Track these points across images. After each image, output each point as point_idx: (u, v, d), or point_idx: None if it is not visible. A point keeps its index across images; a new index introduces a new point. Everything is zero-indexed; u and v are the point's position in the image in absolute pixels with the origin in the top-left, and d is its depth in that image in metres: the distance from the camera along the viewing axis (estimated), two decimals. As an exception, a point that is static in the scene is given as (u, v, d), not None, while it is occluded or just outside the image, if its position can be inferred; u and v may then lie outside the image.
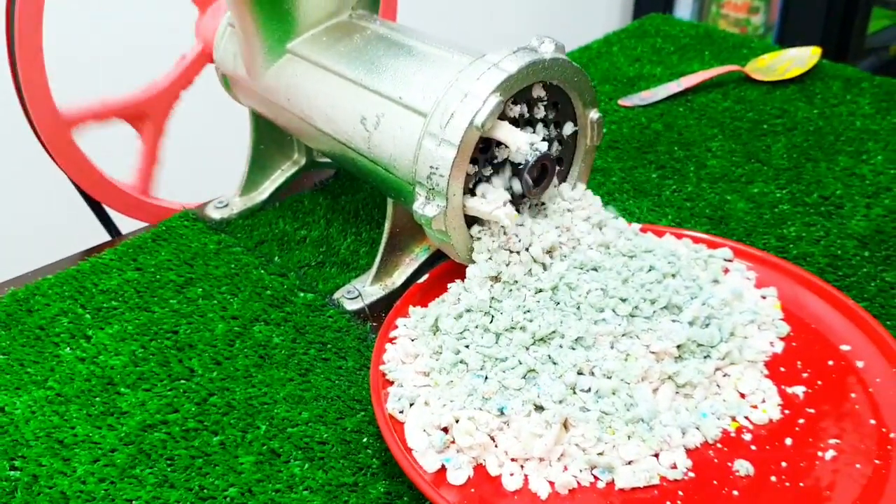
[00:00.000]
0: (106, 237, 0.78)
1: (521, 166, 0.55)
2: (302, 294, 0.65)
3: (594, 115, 0.59)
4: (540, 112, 0.57)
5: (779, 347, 0.58)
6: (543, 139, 0.58)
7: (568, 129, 0.60)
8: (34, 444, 0.53)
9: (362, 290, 0.64)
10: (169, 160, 0.79)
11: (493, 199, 0.55)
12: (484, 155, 0.55)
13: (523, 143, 0.54)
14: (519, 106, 0.55)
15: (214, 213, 0.75)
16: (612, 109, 0.92)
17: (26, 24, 0.64)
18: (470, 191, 0.55)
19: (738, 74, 0.96)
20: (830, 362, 0.56)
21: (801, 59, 0.95)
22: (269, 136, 0.75)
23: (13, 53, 0.65)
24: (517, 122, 0.56)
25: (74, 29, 1.15)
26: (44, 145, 0.69)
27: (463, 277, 0.58)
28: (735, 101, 0.92)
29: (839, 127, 0.86)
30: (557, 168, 0.59)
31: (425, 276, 0.62)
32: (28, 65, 0.65)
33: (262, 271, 0.68)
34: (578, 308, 0.55)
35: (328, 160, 0.78)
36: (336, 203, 0.77)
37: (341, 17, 0.66)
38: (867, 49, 2.03)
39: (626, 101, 0.92)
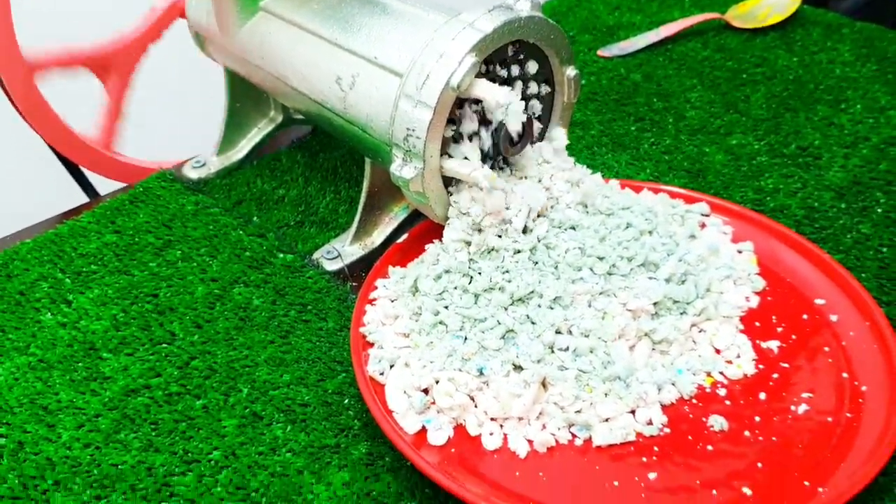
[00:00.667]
0: (83, 199, 0.77)
1: (498, 126, 0.55)
2: (281, 255, 0.65)
3: (571, 71, 0.59)
4: (516, 70, 0.56)
5: (754, 302, 0.58)
6: (522, 98, 0.58)
7: (544, 88, 0.60)
8: (18, 410, 0.54)
9: (342, 251, 0.64)
10: (143, 117, 0.78)
11: (467, 160, 0.55)
12: (460, 110, 0.55)
13: (503, 98, 0.53)
14: (494, 65, 0.55)
15: (192, 173, 0.74)
16: (591, 60, 0.91)
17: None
18: (447, 152, 0.55)
19: (718, 22, 0.96)
20: (805, 316, 0.57)
21: (781, 5, 0.95)
22: (245, 94, 0.74)
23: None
24: (493, 81, 0.56)
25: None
26: (6, 90, 0.68)
27: (442, 237, 0.58)
28: (715, 49, 0.91)
29: (819, 75, 0.86)
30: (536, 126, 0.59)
31: (404, 236, 0.62)
32: None
33: (241, 232, 0.67)
34: (556, 267, 0.56)
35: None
36: (314, 161, 0.76)
37: (314, -27, 0.65)
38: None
39: (605, 52, 0.92)
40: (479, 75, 0.54)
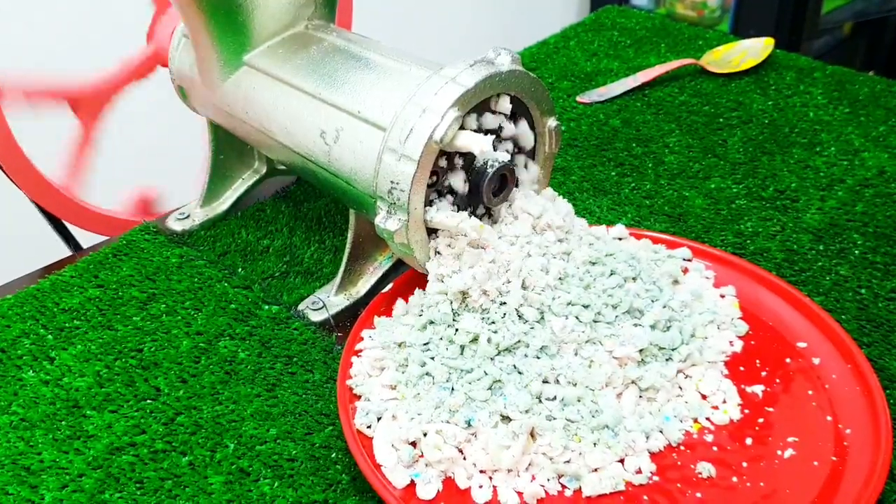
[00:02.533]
0: (66, 252, 0.77)
1: (481, 178, 0.56)
2: (266, 306, 0.65)
3: (552, 122, 0.59)
4: (498, 122, 0.57)
5: (738, 346, 0.59)
6: (508, 151, 0.59)
7: (529, 139, 0.60)
8: (0, 471, 0.53)
9: (327, 301, 0.64)
10: (121, 165, 0.78)
11: (454, 212, 0.55)
12: (445, 162, 0.55)
13: (486, 146, 0.54)
14: (476, 117, 0.56)
15: (175, 225, 0.74)
16: (570, 106, 0.92)
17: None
18: (429, 203, 0.56)
19: (693, 67, 0.97)
20: (788, 360, 0.58)
21: (754, 50, 0.97)
22: (229, 146, 0.74)
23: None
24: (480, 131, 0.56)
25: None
26: None
27: (425, 286, 0.58)
28: (691, 94, 0.93)
29: (793, 119, 0.87)
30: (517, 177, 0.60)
31: (389, 286, 0.62)
32: None
33: (226, 284, 0.67)
34: (542, 317, 0.56)
35: (289, 167, 0.78)
36: (298, 210, 0.77)
37: (297, 27, 0.66)
38: (822, 29, 2.06)
39: (584, 98, 0.93)
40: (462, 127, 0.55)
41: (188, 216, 0.75)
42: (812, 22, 1.93)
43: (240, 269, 0.69)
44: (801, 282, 0.66)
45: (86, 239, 0.78)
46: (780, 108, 0.89)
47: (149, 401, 0.58)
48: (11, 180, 0.71)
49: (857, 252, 0.69)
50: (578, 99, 0.93)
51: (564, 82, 0.97)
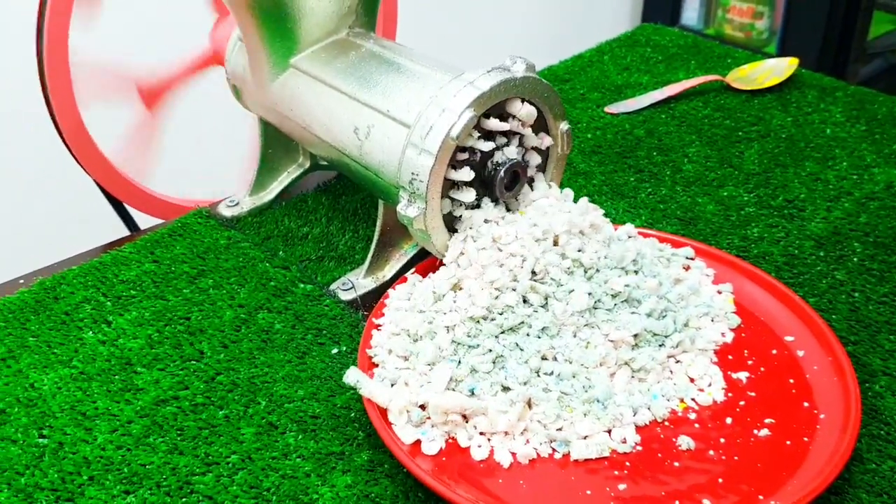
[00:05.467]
0: (126, 232, 0.85)
1: (494, 173, 0.62)
2: (302, 285, 0.72)
3: (564, 126, 0.65)
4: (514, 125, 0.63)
5: (729, 338, 0.64)
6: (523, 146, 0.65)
7: (546, 140, 0.66)
8: (60, 415, 0.60)
9: (356, 283, 0.71)
10: (181, 157, 0.86)
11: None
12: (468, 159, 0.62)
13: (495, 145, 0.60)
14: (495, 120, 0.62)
15: (226, 212, 0.82)
16: (598, 116, 0.98)
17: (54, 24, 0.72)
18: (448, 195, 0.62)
19: (719, 84, 1.02)
20: (774, 351, 0.62)
21: (779, 68, 1.01)
22: (277, 141, 0.82)
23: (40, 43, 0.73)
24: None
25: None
26: (56, 124, 0.76)
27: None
28: (714, 108, 0.98)
29: (810, 134, 0.92)
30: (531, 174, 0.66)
31: (412, 271, 0.69)
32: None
33: (268, 264, 0.74)
34: (546, 302, 0.61)
35: (330, 163, 0.85)
36: (337, 202, 0.83)
37: (340, 34, 0.73)
38: (871, 53, 2.07)
39: (612, 109, 0.98)
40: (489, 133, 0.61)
41: (237, 204, 0.82)
42: (859, 45, 1.95)
43: (280, 252, 0.76)
44: (798, 283, 0.71)
45: (144, 221, 0.85)
46: (799, 124, 0.93)
47: (193, 361, 0.65)
48: (80, 164, 0.79)
49: (855, 259, 0.73)
50: (606, 109, 0.98)
51: (595, 93, 1.03)
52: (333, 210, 0.82)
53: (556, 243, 0.63)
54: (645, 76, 1.06)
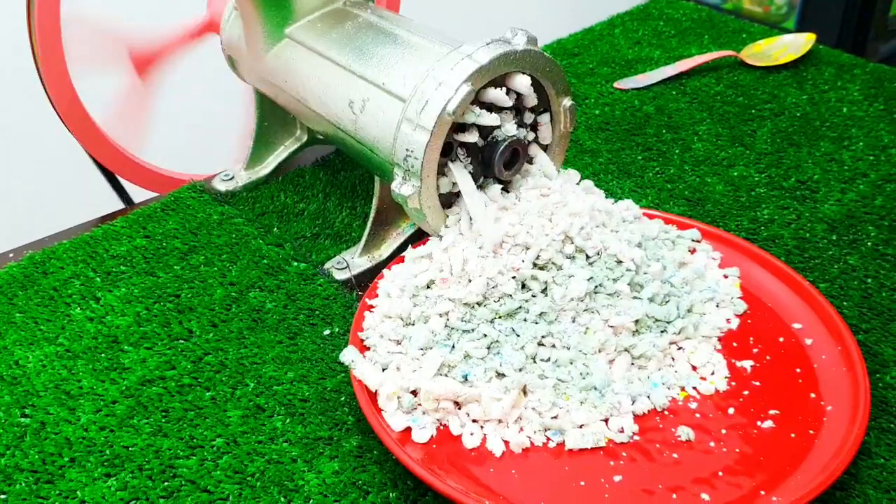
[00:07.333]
0: (120, 205, 0.83)
1: (493, 150, 0.59)
2: (295, 263, 0.70)
3: (567, 102, 0.63)
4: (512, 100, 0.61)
5: (734, 324, 0.62)
6: (523, 125, 0.62)
7: (545, 118, 0.64)
8: (43, 394, 0.59)
9: (351, 262, 0.69)
10: (172, 125, 0.83)
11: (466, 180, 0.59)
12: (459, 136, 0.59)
13: (494, 122, 0.57)
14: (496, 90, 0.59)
15: (220, 186, 0.80)
16: (607, 91, 0.95)
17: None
18: (443, 173, 0.59)
19: (733, 59, 0.99)
20: (781, 339, 0.60)
21: (795, 45, 0.98)
22: (273, 114, 0.79)
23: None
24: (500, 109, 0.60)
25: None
26: (48, 93, 0.74)
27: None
28: (727, 85, 0.94)
29: (826, 113, 0.88)
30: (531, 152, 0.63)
31: (409, 250, 0.66)
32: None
33: (261, 241, 0.72)
34: (545, 288, 0.59)
35: (328, 137, 0.82)
36: (335, 178, 0.81)
37: (336, 4, 0.70)
38: (891, 31, 2.02)
39: (621, 84, 0.95)
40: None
41: (232, 178, 0.80)
42: (880, 22, 1.90)
43: (275, 229, 0.74)
44: (809, 268, 0.68)
45: (138, 194, 0.83)
46: (815, 103, 0.90)
47: (181, 341, 0.63)
48: (73, 135, 0.77)
49: (869, 244, 0.70)
50: (616, 85, 0.96)
51: (605, 68, 1.00)
52: (331, 186, 0.80)
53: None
54: (657, 51, 1.03)
